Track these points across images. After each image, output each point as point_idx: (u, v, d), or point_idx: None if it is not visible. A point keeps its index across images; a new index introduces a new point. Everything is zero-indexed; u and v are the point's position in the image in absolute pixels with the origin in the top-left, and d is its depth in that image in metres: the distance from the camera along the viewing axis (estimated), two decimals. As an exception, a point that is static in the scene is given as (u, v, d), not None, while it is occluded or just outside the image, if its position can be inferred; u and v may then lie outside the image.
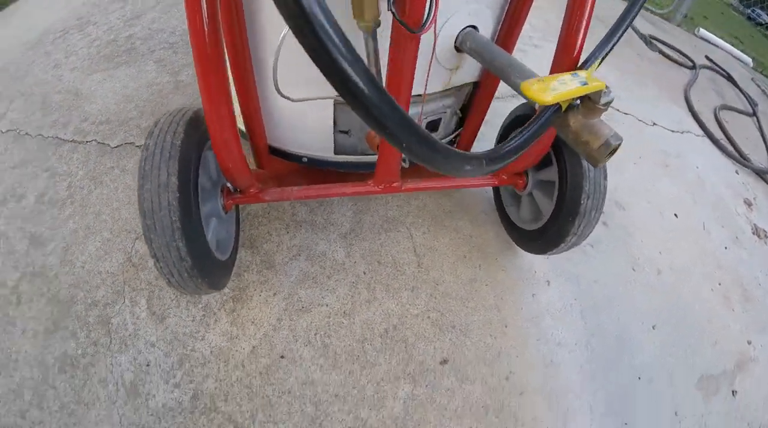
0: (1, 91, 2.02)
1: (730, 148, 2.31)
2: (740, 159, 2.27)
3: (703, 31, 3.65)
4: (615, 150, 0.73)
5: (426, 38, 0.82)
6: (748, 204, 2.04)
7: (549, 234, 1.08)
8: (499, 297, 1.20)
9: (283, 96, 0.90)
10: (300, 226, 1.27)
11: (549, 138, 0.99)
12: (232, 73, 0.90)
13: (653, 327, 1.33)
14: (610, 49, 0.76)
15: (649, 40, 2.95)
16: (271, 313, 1.12)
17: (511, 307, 1.19)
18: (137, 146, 1.51)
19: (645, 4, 3.74)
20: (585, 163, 0.94)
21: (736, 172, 2.19)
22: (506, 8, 0.96)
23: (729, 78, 3.11)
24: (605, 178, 0.96)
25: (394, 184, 0.98)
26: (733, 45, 4.04)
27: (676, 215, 1.70)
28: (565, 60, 0.79)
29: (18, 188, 1.50)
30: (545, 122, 0.68)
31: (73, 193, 1.41)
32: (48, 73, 1.98)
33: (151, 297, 1.16)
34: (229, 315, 1.12)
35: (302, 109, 0.97)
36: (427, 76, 0.86)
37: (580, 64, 0.77)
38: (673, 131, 2.18)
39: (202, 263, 0.89)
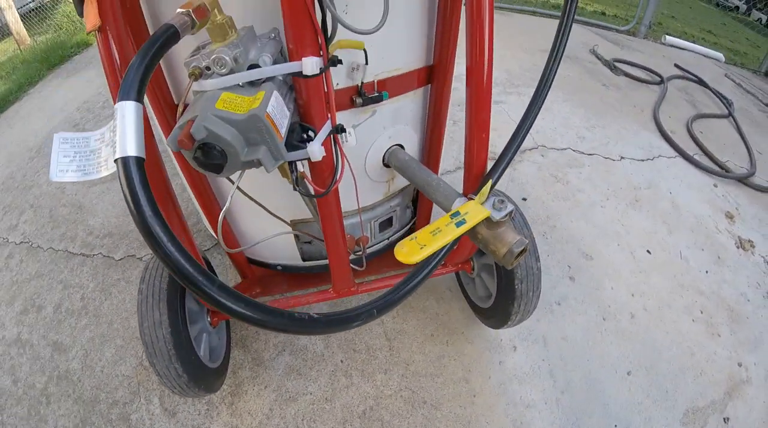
0: (11, 201, 2.35)
1: (705, 162, 2.40)
2: (718, 171, 2.35)
3: (670, 38, 3.82)
4: (522, 253, 0.92)
5: (357, 160, 1.05)
6: (730, 217, 2.13)
7: (498, 313, 1.24)
8: (466, 370, 1.34)
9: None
10: None
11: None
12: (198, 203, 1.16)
13: (628, 374, 1.43)
14: (503, 170, 0.96)
15: (613, 66, 3.13)
16: (264, 404, 1.30)
17: (479, 377, 1.34)
18: (138, 258, 1.75)
19: (609, 25, 4.01)
20: None
21: (715, 186, 2.29)
22: (426, 126, 1.14)
23: (701, 82, 3.25)
24: (537, 260, 1.12)
25: (352, 289, 1.18)
26: (705, 40, 4.21)
27: (648, 252, 1.82)
28: (470, 179, 0.97)
29: (37, 299, 1.76)
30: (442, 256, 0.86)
31: (86, 304, 1.66)
32: (51, 185, 2.30)
33: (162, 396, 1.37)
34: (229, 408, 1.31)
35: (268, 229, 1.18)
36: (357, 196, 1.07)
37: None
38: (642, 160, 2.31)
39: (196, 376, 1.10)
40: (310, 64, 0.69)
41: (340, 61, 0.75)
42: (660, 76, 3.11)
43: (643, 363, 1.48)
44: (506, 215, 0.83)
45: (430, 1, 0.94)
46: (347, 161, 0.87)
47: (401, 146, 1.10)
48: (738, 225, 2.08)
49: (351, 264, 1.15)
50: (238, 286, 1.38)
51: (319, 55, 0.70)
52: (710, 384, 1.48)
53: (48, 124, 2.87)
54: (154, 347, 1.03)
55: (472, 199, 0.87)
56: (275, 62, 0.71)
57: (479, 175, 0.95)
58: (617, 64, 3.19)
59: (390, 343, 1.43)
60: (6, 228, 2.16)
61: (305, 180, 0.83)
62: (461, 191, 0.95)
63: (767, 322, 1.71)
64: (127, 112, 0.51)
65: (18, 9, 5.15)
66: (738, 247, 1.97)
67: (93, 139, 0.59)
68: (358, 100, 0.89)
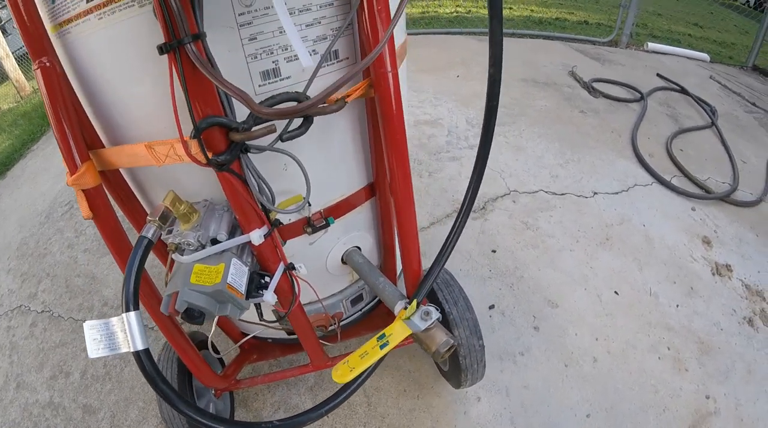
0: (28, 269, 2.70)
1: (684, 184, 2.54)
2: (697, 193, 2.48)
3: (652, 45, 4.00)
4: (450, 349, 1.18)
5: (318, 263, 1.32)
6: (707, 242, 2.27)
7: (452, 378, 1.49)
8: (435, 420, 1.58)
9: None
10: (278, 385, 1.74)
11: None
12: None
13: (587, 416, 1.63)
14: (432, 283, 1.20)
15: (591, 88, 3.32)
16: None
17: (446, 427, 1.58)
18: (151, 328, 2.05)
19: (590, 38, 4.18)
20: (458, 331, 1.38)
21: (693, 209, 2.44)
22: (378, 227, 1.38)
23: (683, 91, 3.41)
24: (479, 338, 1.34)
25: (327, 363, 1.43)
26: (691, 36, 4.36)
27: (616, 293, 1.99)
28: (408, 283, 1.21)
29: (64, 366, 2.08)
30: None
31: (109, 371, 1.95)
32: (64, 253, 2.63)
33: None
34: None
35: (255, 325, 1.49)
36: (317, 294, 1.35)
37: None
38: (617, 193, 2.49)
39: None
40: (257, 236, 0.96)
41: (281, 223, 1.03)
42: (640, 92, 3.28)
43: (604, 404, 1.65)
44: (431, 324, 1.11)
45: (361, 131, 1.14)
46: (305, 281, 1.16)
47: (358, 247, 1.37)
48: (716, 250, 2.23)
49: (327, 337, 1.43)
50: (237, 356, 1.65)
51: (263, 225, 0.98)
52: (674, 420, 1.61)
53: (54, 187, 3.22)
54: (171, 421, 1.34)
55: (407, 306, 1.15)
56: (232, 232, 0.99)
57: (415, 281, 1.21)
58: (596, 85, 3.37)
59: (368, 399, 1.68)
60: (26, 297, 2.51)
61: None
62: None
63: (741, 349, 1.85)
64: (132, 320, 0.82)
65: (15, 52, 5.58)
66: (714, 274, 2.11)
67: (110, 324, 0.88)
68: (308, 229, 1.17)
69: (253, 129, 0.84)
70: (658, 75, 3.61)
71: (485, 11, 5.93)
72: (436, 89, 3.64)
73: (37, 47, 0.87)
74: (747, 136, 3.16)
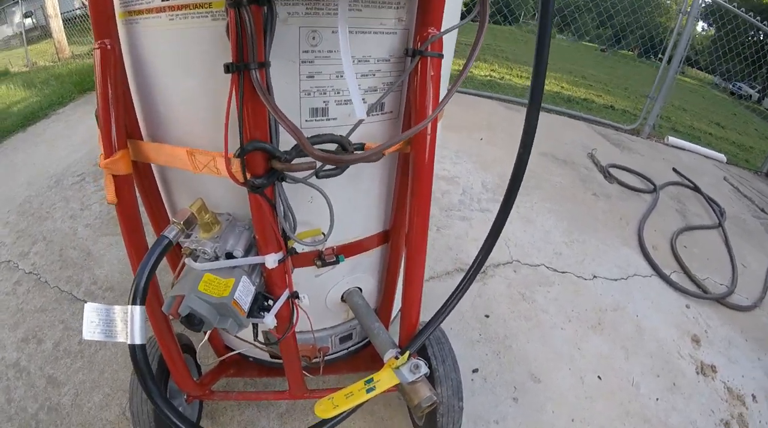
0: (25, 227, 2.71)
1: (682, 281, 2.58)
2: (694, 291, 2.52)
3: (672, 139, 4.14)
4: (431, 406, 1.20)
5: (318, 296, 1.35)
6: (696, 341, 2.28)
7: None
8: None
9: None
10: (249, 405, 1.70)
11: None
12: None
13: None
14: (426, 338, 1.23)
15: (607, 173, 3.41)
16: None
17: None
18: None
19: (613, 123, 4.33)
20: (441, 389, 1.39)
21: (687, 307, 2.47)
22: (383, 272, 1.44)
23: (695, 188, 3.49)
24: (460, 399, 1.36)
25: (305, 394, 1.44)
26: (712, 135, 4.50)
27: (599, 377, 1.99)
28: (404, 332, 1.23)
29: (38, 332, 2.05)
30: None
31: (83, 349, 1.93)
32: (65, 222, 2.65)
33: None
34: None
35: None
36: (311, 328, 1.36)
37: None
38: (616, 280, 2.53)
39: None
40: (272, 260, 1.00)
41: (296, 252, 1.07)
42: (654, 184, 3.37)
43: (568, 491, 1.69)
44: (418, 378, 1.13)
45: (388, 180, 1.21)
46: (305, 311, 1.18)
47: (360, 288, 1.40)
48: (704, 350, 2.24)
49: (309, 369, 1.44)
50: (216, 367, 1.65)
51: (280, 250, 1.02)
52: None
53: (71, 156, 3.28)
54: (139, 417, 1.34)
55: (398, 356, 1.17)
56: (248, 249, 1.03)
57: (411, 332, 1.23)
58: (612, 170, 3.46)
59: (335, 441, 1.68)
60: (18, 254, 2.52)
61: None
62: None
63: (712, 452, 1.81)
64: (136, 313, 0.84)
65: (64, 13, 5.75)
66: (698, 373, 2.12)
67: (111, 311, 0.91)
68: (318, 262, 1.20)
69: (295, 161, 0.89)
70: (673, 169, 3.71)
71: (518, 80, 6.15)
72: (459, 148, 3.75)
73: (102, 28, 0.91)
74: (752, 240, 3.22)
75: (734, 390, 2.11)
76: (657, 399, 1.99)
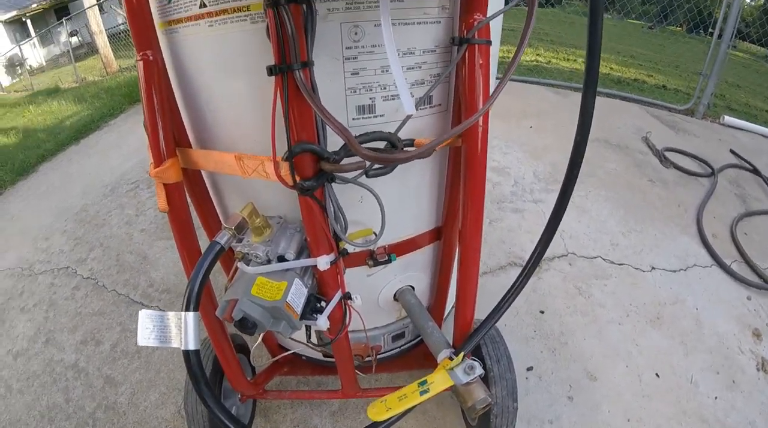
0: (83, 234, 2.85)
1: (743, 270, 2.42)
2: (755, 282, 2.36)
3: (728, 119, 3.85)
4: (485, 407, 1.16)
5: (371, 296, 1.34)
6: (757, 335, 2.14)
7: None
8: None
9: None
10: (301, 403, 1.73)
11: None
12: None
13: None
14: (482, 337, 1.19)
15: (663, 157, 3.21)
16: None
17: None
18: None
19: (665, 103, 4.08)
20: (495, 389, 1.35)
21: (748, 298, 2.31)
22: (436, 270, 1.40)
23: (755, 171, 3.24)
24: (515, 400, 1.30)
25: (357, 393, 1.42)
26: None
27: (657, 375, 1.90)
28: (458, 333, 1.20)
29: (96, 334, 2.16)
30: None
31: (140, 350, 2.01)
32: (121, 228, 2.77)
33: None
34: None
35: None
36: (365, 329, 1.35)
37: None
38: (674, 271, 2.39)
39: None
40: (324, 262, 0.99)
41: (348, 253, 1.05)
42: (711, 167, 3.16)
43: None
44: (472, 380, 1.09)
45: (439, 176, 1.18)
46: (357, 312, 1.17)
47: (412, 287, 1.37)
48: (765, 344, 2.08)
49: (361, 367, 1.43)
50: (269, 366, 1.65)
51: (331, 252, 1.00)
52: None
53: (123, 165, 3.42)
54: (194, 417, 1.38)
55: (452, 357, 1.14)
56: (299, 252, 1.02)
57: (465, 331, 1.20)
58: (668, 154, 3.27)
59: (389, 440, 1.66)
60: (76, 260, 2.65)
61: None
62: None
63: (772, 453, 1.71)
64: (190, 319, 0.84)
65: (108, 29, 6.01)
66: (759, 370, 1.98)
67: (165, 317, 0.92)
68: (370, 262, 1.18)
69: (344, 162, 0.87)
70: (731, 151, 3.47)
71: (565, 63, 5.92)
72: (508, 137, 3.64)
73: (143, 40, 0.92)
74: (818, 224, 2.97)
75: (796, 389, 1.96)
76: (716, 397, 1.88)
